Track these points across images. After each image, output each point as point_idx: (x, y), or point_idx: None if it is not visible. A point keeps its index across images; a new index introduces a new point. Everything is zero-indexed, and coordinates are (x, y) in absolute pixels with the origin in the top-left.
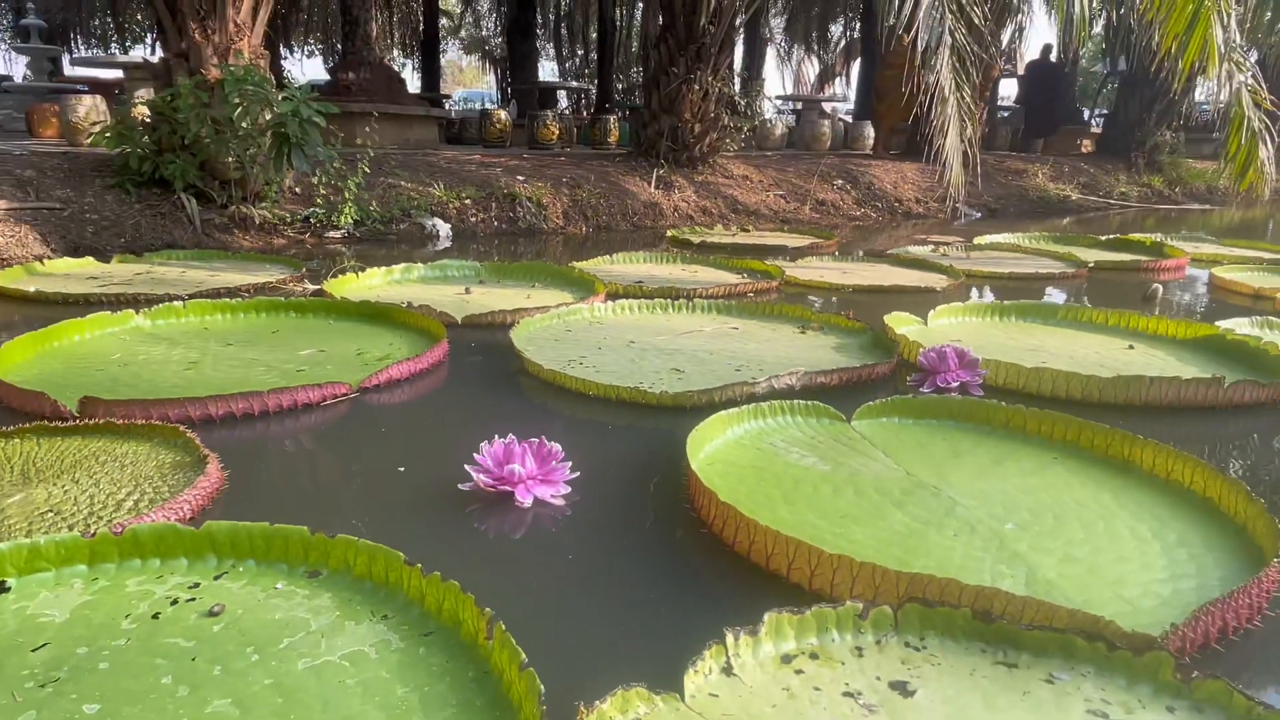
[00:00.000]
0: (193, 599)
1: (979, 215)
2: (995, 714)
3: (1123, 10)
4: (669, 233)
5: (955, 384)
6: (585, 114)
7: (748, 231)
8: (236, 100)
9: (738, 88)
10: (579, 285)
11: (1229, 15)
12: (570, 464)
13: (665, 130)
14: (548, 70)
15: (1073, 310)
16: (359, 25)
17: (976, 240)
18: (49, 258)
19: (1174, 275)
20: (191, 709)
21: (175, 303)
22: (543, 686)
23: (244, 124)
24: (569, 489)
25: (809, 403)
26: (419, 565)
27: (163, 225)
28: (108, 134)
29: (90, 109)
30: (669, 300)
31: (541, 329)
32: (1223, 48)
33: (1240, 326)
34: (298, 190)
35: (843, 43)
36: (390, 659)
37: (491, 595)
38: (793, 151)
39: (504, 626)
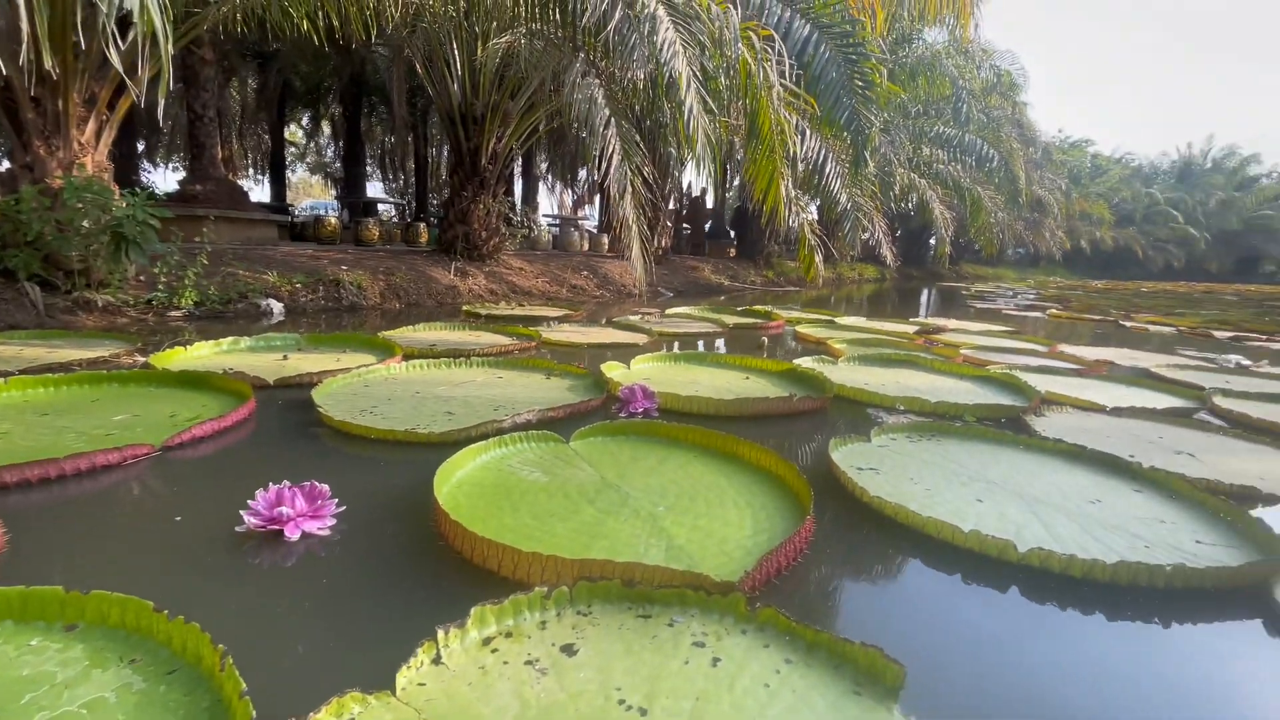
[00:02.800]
0: None
1: (671, 295)
2: (632, 657)
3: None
4: (464, 308)
5: (641, 410)
6: (409, 221)
7: (522, 306)
8: (78, 205)
9: (518, 207)
10: (382, 349)
11: (788, 178)
12: (337, 500)
13: (460, 235)
14: (378, 189)
15: (715, 356)
16: (205, 149)
17: (668, 311)
18: None
19: (777, 331)
20: None
21: None
22: (254, 711)
23: (84, 224)
24: (335, 521)
25: (540, 431)
26: (165, 611)
27: (5, 309)
28: None
29: None
30: (453, 358)
31: (342, 386)
32: (786, 197)
33: (806, 363)
34: (142, 278)
35: (588, 182)
36: (129, 701)
37: (248, 625)
38: (556, 252)
39: (232, 660)
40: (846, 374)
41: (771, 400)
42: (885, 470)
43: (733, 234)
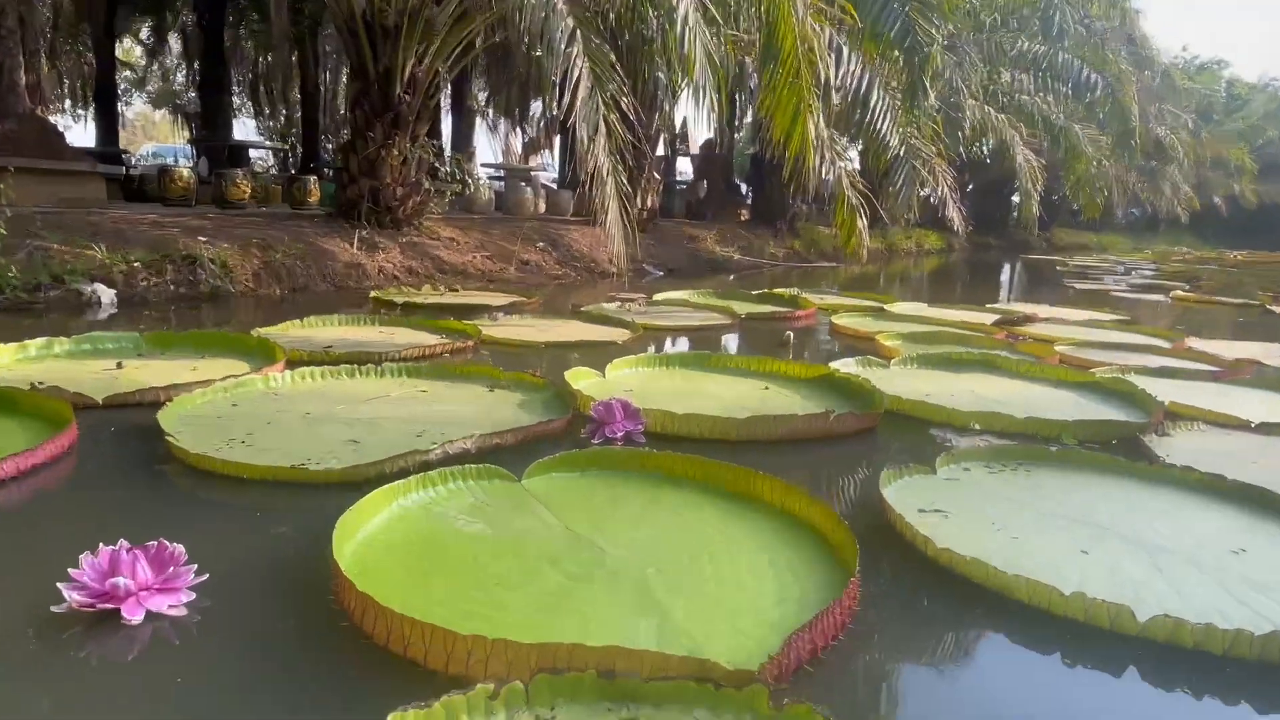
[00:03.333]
0: None
1: (661, 274)
2: None
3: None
4: (372, 294)
5: (621, 434)
6: (294, 174)
7: (455, 291)
8: None
9: (447, 154)
10: (256, 353)
11: (819, 114)
12: (195, 567)
13: (366, 192)
14: (250, 128)
15: (722, 358)
16: (2, 73)
17: (656, 296)
18: None
19: (807, 323)
20: None
21: None
22: None
23: None
24: (194, 596)
25: (481, 465)
26: None
27: None
28: None
29: None
30: (358, 365)
31: (201, 406)
32: (815, 140)
33: (847, 366)
34: None
35: (544, 120)
36: None
37: None
38: (499, 215)
39: None
40: (902, 381)
41: (801, 419)
42: (957, 512)
43: (746, 190)
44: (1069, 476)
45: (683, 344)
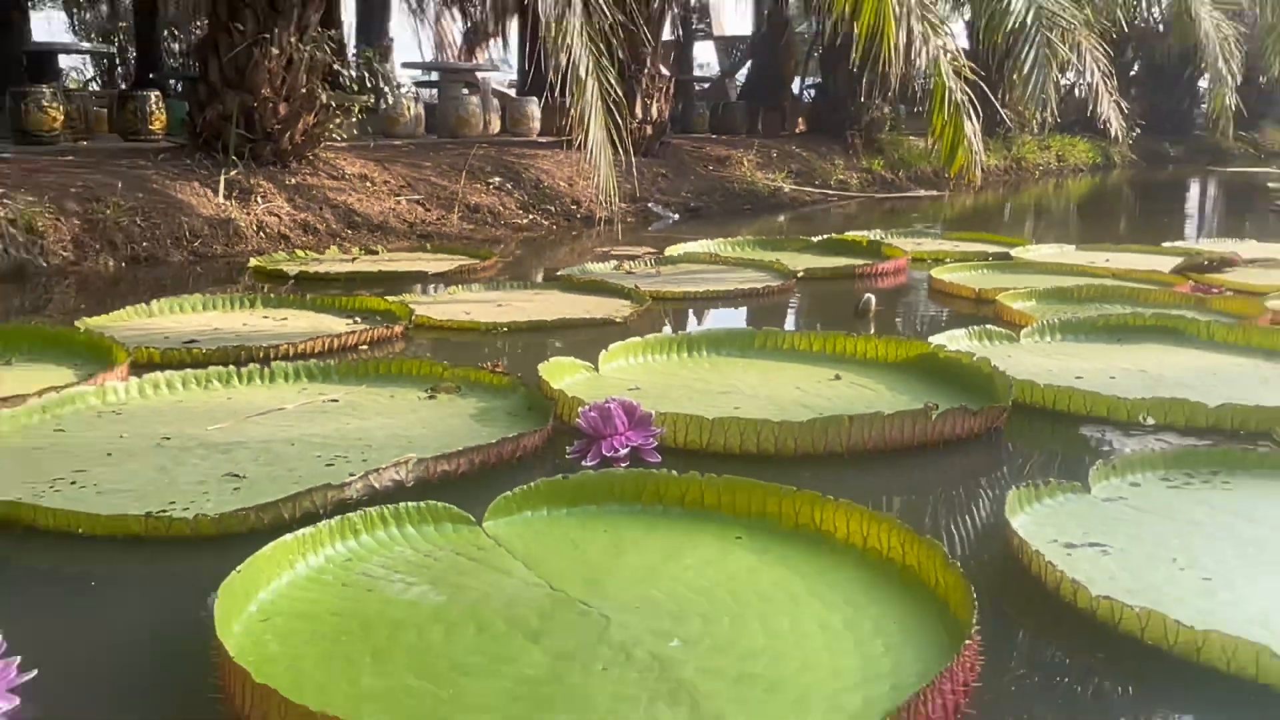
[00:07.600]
0: None
1: (675, 216)
2: None
3: None
4: (252, 262)
5: (624, 450)
6: (127, 90)
7: (375, 254)
8: None
9: (351, 52)
10: (85, 355)
11: None
12: (19, 661)
13: (234, 112)
14: (59, 25)
15: (772, 336)
16: None
17: (670, 251)
18: None
19: (893, 280)
20: None
21: None
22: None
23: None
24: (17, 701)
25: (422, 504)
26: None
27: None
28: None
29: None
30: (234, 367)
31: (10, 434)
32: (898, 8)
33: (956, 340)
34: None
35: None
36: None
37: None
38: (433, 139)
39: None
40: (1038, 359)
41: (889, 420)
42: (1121, 547)
43: (801, 89)
44: None
45: (711, 319)
